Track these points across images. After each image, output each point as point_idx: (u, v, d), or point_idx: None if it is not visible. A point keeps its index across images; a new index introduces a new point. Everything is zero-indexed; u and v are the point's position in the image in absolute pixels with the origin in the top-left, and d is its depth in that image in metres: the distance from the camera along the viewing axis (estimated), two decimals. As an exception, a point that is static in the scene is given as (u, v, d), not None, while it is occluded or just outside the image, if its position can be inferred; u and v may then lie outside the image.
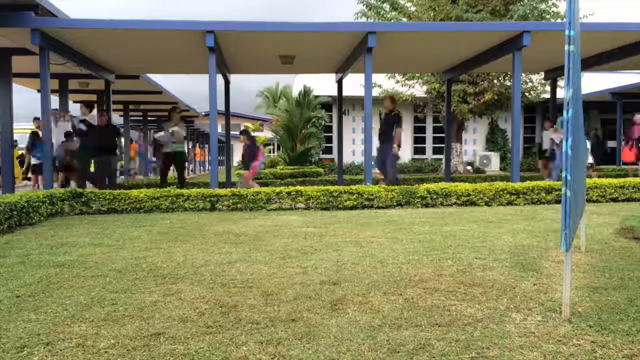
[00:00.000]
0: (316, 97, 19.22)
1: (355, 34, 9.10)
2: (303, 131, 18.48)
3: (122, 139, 15.75)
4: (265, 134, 28.55)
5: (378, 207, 7.84)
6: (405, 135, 21.52)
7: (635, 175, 12.00)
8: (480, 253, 4.34)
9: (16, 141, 11.67)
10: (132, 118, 21.20)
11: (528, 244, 4.74)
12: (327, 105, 20.59)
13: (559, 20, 14.44)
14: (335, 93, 14.01)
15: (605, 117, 22.35)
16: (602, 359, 2.22)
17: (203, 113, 24.49)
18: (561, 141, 10.78)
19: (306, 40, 9.50)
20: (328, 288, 3.32)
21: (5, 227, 5.87)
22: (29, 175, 13.25)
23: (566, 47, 2.60)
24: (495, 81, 16.11)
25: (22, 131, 15.17)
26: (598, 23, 9.45)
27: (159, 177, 11.95)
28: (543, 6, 14.59)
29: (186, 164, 11.82)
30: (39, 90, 9.47)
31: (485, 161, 20.03)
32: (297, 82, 22.26)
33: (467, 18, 14.24)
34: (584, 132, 9.74)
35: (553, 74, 13.14)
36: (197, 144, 32.57)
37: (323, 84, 18.79)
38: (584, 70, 11.06)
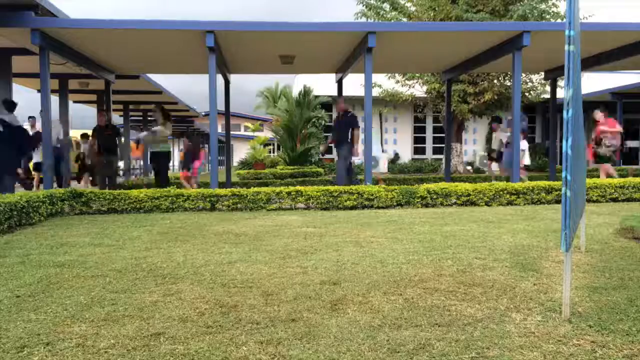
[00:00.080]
0: (316, 97, 19.21)
1: (355, 34, 9.10)
2: (303, 131, 18.48)
3: (122, 139, 15.73)
4: (265, 134, 28.53)
5: (378, 207, 7.84)
6: (405, 135, 21.54)
7: (636, 175, 12.00)
8: (480, 253, 4.34)
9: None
10: (132, 118, 21.21)
11: (528, 244, 4.74)
12: (327, 105, 20.58)
13: (559, 20, 14.45)
14: (335, 93, 14.01)
15: (605, 117, 22.33)
16: (602, 359, 2.22)
17: (203, 113, 24.49)
18: (508, 140, 10.70)
19: (306, 40, 9.50)
20: (328, 288, 3.32)
21: (5, 227, 5.87)
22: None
23: (566, 47, 2.60)
24: (495, 81, 16.11)
25: None
26: (598, 23, 9.45)
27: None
28: (543, 6, 14.60)
29: (170, 164, 11.68)
30: (39, 90, 9.47)
31: (485, 161, 20.01)
32: (297, 82, 22.26)
33: (467, 18, 14.24)
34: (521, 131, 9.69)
35: (553, 74, 13.14)
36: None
37: (323, 84, 18.78)
38: (584, 70, 11.06)
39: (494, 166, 12.28)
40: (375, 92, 16.43)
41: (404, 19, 15.87)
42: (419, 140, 21.67)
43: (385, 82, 17.40)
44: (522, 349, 2.32)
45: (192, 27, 8.62)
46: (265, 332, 2.56)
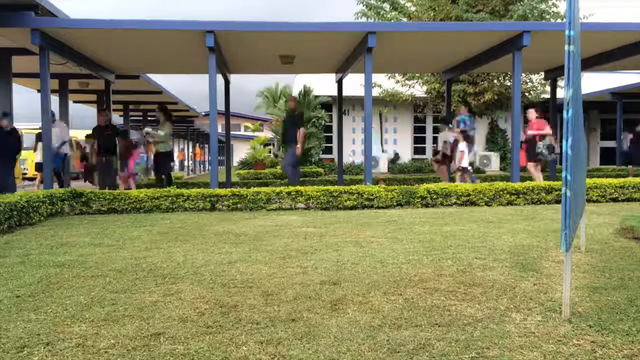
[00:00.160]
0: (316, 97, 19.19)
1: (355, 34, 9.10)
2: (303, 131, 18.46)
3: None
4: (265, 134, 28.53)
5: (378, 207, 7.84)
6: (405, 135, 21.53)
7: (636, 175, 11.99)
8: (480, 253, 4.34)
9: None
10: (132, 118, 21.20)
11: (528, 244, 4.74)
12: (327, 105, 20.58)
13: (559, 20, 14.44)
14: (335, 93, 14.01)
15: (605, 117, 22.35)
16: (602, 359, 2.22)
17: (203, 113, 24.48)
18: (454, 141, 10.59)
19: (306, 40, 9.50)
20: (328, 288, 3.32)
21: (5, 227, 5.86)
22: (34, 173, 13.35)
23: (566, 47, 2.60)
24: (495, 81, 16.11)
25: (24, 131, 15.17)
26: (598, 23, 9.45)
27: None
28: (543, 6, 14.59)
29: (172, 164, 11.63)
30: (39, 90, 9.47)
31: (485, 161, 20.02)
32: (297, 82, 22.24)
33: (467, 18, 14.23)
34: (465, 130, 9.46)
35: (553, 74, 13.14)
36: (197, 144, 32.58)
37: (323, 84, 18.78)
38: (584, 70, 11.05)
39: (437, 166, 11.85)
40: (375, 92, 16.42)
41: (404, 19, 15.87)
42: (419, 140, 21.66)
43: (385, 82, 17.39)
44: (522, 349, 2.32)
45: (192, 27, 8.61)
46: (265, 332, 2.56)
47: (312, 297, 3.13)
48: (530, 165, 10.28)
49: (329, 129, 20.95)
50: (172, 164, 11.96)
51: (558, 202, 8.04)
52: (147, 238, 5.31)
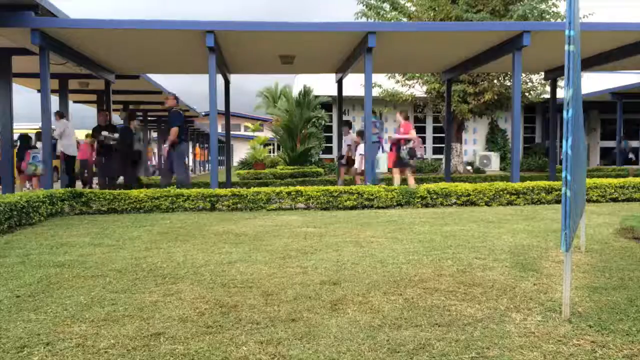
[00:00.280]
0: (316, 97, 19.20)
1: (355, 34, 9.10)
2: (303, 131, 18.48)
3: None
4: (265, 134, 28.54)
5: (378, 207, 7.84)
6: (405, 135, 21.52)
7: (636, 176, 11.99)
8: (480, 253, 4.34)
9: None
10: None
11: (528, 244, 4.74)
12: (327, 105, 20.59)
13: (559, 20, 14.44)
14: (335, 93, 14.02)
15: (605, 117, 22.36)
16: (602, 359, 2.22)
17: (203, 113, 24.48)
18: (357, 146, 10.31)
19: (306, 40, 9.50)
20: (328, 288, 3.32)
21: (5, 227, 5.86)
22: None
23: (566, 47, 2.60)
24: (495, 81, 16.11)
25: (21, 131, 15.18)
26: (598, 23, 9.45)
27: (158, 177, 11.91)
28: (543, 6, 14.59)
29: (143, 166, 11.30)
30: (39, 90, 9.47)
31: (485, 161, 20.02)
32: (297, 82, 22.26)
33: (467, 18, 14.24)
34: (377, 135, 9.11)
35: (553, 74, 13.14)
36: (197, 144, 32.57)
37: (323, 84, 18.79)
38: (584, 70, 11.06)
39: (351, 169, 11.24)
40: (375, 92, 16.44)
41: (404, 19, 15.87)
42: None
43: (385, 82, 17.40)
44: (522, 349, 2.32)
45: (192, 27, 8.62)
46: (265, 332, 2.56)
47: (312, 297, 3.13)
48: (395, 171, 9.93)
49: (329, 129, 20.96)
50: (143, 165, 11.65)
51: (558, 202, 8.04)
52: (147, 238, 5.31)
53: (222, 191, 7.89)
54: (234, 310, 2.90)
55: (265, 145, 24.37)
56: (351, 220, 6.51)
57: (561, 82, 14.61)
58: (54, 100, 11.09)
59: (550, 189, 8.19)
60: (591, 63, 11.28)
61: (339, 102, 13.24)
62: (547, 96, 16.47)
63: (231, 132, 15.02)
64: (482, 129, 21.63)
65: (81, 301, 3.11)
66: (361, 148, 9.82)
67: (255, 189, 8.07)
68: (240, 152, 32.41)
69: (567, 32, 2.60)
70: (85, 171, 11.14)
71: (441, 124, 20.00)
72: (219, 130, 17.06)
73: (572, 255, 3.77)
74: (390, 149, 10.12)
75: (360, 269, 3.83)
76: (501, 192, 8.10)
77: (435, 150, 21.48)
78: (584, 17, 14.84)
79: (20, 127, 14.81)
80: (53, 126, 10.25)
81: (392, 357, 2.26)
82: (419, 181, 11.72)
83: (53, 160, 9.45)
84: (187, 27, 8.61)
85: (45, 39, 8.36)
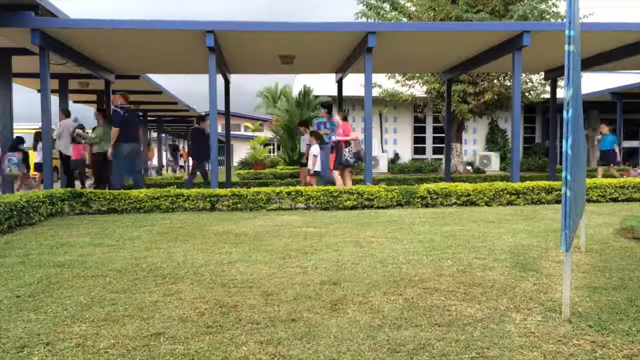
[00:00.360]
0: (316, 97, 19.19)
1: (355, 34, 9.10)
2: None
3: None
4: (265, 134, 28.54)
5: (378, 207, 7.84)
6: (405, 135, 21.52)
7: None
8: (480, 253, 4.34)
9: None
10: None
11: (528, 244, 4.74)
12: (327, 106, 20.56)
13: (559, 20, 14.44)
14: (335, 93, 14.01)
15: (605, 117, 22.34)
16: (602, 359, 2.22)
17: (203, 113, 24.47)
18: (308, 145, 10.09)
19: (306, 40, 9.51)
20: (328, 288, 3.32)
21: (5, 227, 5.87)
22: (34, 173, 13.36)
23: (566, 47, 2.60)
24: (495, 81, 16.10)
25: (21, 131, 15.18)
26: (598, 23, 9.45)
27: (159, 177, 11.89)
28: (543, 6, 14.58)
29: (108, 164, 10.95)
30: (39, 90, 9.48)
31: (485, 161, 20.02)
32: (297, 82, 22.25)
33: (467, 18, 14.23)
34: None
35: (553, 74, 13.14)
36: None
37: (323, 84, 18.78)
38: (584, 70, 11.06)
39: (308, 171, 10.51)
40: (375, 92, 16.42)
41: (404, 19, 15.86)
42: (419, 140, 21.66)
43: (385, 82, 17.39)
44: (522, 349, 2.32)
45: (192, 27, 8.62)
46: (265, 332, 2.56)
47: (312, 297, 3.13)
48: (335, 173, 9.72)
49: (328, 129, 20.92)
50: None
51: (558, 202, 8.04)
52: (147, 238, 5.32)
53: (222, 191, 7.89)
54: (234, 310, 2.90)
55: (265, 145, 24.39)
56: (351, 220, 6.51)
57: (561, 82, 14.61)
58: (54, 100, 11.10)
59: (550, 189, 8.19)
60: (591, 63, 11.28)
61: (339, 102, 13.24)
62: (547, 96, 16.45)
63: (231, 132, 15.02)
64: (482, 129, 21.62)
65: (81, 301, 3.11)
66: (314, 148, 9.69)
67: (255, 189, 8.07)
68: (240, 152, 32.39)
69: (567, 32, 2.60)
70: (77, 171, 11.16)
71: (441, 124, 19.99)
72: (219, 130, 17.07)
73: (572, 255, 3.77)
74: (332, 151, 10.04)
75: (360, 269, 3.83)
76: (501, 192, 8.10)
77: (435, 150, 21.47)
78: (584, 17, 14.83)
79: (20, 127, 14.80)
80: (53, 126, 10.27)
81: (392, 357, 2.26)
82: (418, 181, 11.73)
83: (53, 160, 9.44)
84: (187, 27, 8.61)
85: (45, 39, 8.36)
